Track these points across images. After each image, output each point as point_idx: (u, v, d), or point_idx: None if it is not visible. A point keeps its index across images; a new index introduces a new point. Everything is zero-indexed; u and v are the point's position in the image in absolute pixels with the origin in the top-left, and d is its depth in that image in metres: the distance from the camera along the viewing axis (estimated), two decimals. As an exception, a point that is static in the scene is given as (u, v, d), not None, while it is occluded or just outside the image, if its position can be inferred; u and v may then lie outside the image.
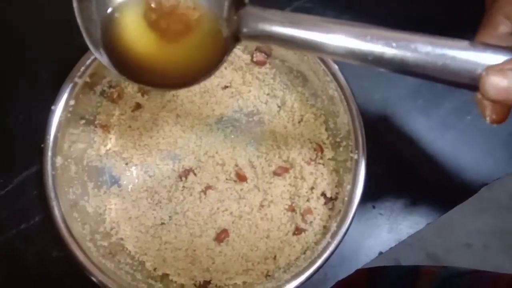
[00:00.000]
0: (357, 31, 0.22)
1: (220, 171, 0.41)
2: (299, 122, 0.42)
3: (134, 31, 0.28)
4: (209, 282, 0.37)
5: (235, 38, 0.26)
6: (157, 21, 0.28)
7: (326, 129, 0.41)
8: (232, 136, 0.43)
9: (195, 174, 0.40)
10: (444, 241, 1.10)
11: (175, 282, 0.37)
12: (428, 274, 0.46)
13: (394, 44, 0.21)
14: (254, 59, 0.41)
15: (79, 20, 0.26)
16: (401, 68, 0.22)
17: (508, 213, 1.10)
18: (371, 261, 0.42)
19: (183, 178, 0.40)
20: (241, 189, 0.40)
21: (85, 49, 0.36)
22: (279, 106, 0.43)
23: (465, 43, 0.21)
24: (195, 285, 0.37)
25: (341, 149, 0.39)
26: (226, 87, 0.43)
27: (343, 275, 0.41)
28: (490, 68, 0.20)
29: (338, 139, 0.39)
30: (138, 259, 0.38)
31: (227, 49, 0.27)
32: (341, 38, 0.22)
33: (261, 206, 0.39)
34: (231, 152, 0.42)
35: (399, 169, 0.43)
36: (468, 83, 0.21)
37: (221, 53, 0.27)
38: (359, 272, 0.55)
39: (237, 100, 0.43)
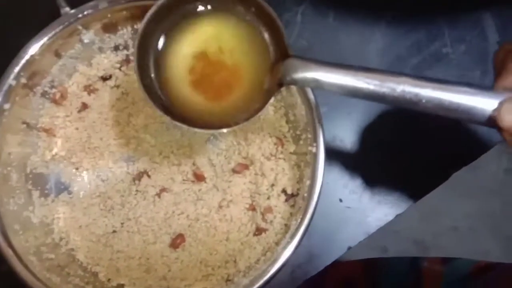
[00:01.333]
0: (380, 78, 0.26)
1: (176, 171, 0.38)
2: (259, 115, 0.40)
3: (180, 89, 0.30)
4: (166, 291, 0.35)
5: (279, 85, 0.28)
6: (199, 84, 0.30)
7: (287, 122, 0.39)
8: (190, 134, 0.40)
9: (149, 176, 0.38)
10: (430, 227, 1.10)
11: (131, 292, 0.35)
12: (432, 274, 0.45)
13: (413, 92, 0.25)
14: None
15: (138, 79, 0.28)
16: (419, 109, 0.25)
17: (492, 196, 1.10)
18: (345, 253, 0.40)
19: (136, 181, 0.38)
20: (199, 190, 0.38)
21: (19, 49, 0.34)
22: (238, 100, 0.41)
23: (473, 89, 0.24)
24: (152, 294, 0.35)
25: (301, 142, 0.36)
26: (180, 82, 0.40)
27: (312, 272, 0.39)
28: (502, 103, 0.23)
29: (298, 132, 0.37)
30: (90, 270, 0.35)
31: (270, 95, 0.29)
32: (368, 84, 0.26)
33: (220, 206, 0.37)
34: (188, 151, 0.39)
35: (364, 160, 0.42)
36: (482, 121, 0.24)
37: (264, 99, 0.29)
38: (354, 263, 0.54)
39: (194, 95, 0.41)
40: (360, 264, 0.54)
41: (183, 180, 0.38)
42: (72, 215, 0.37)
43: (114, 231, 0.36)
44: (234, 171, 0.38)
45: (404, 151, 0.42)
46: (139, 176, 0.38)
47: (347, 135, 0.42)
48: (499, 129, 0.23)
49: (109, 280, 0.35)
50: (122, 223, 0.36)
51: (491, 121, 0.23)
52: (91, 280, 0.34)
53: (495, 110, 0.23)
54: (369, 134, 0.42)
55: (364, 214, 0.41)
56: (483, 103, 0.23)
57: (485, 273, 0.42)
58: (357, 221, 0.40)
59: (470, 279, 0.42)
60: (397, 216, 0.41)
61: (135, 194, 0.37)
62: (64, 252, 0.35)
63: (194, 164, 0.39)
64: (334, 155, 0.42)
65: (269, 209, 0.36)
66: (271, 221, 0.35)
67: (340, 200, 0.41)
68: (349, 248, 0.40)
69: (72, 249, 0.36)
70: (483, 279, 0.41)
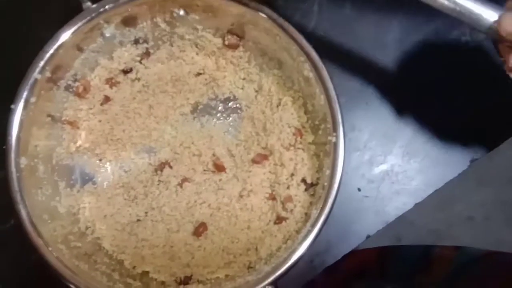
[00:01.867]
0: None
1: (197, 162, 0.39)
2: (277, 106, 0.40)
3: None
4: (190, 278, 0.35)
5: None
6: None
7: (305, 112, 0.39)
8: (209, 125, 0.41)
9: (170, 167, 0.39)
10: (445, 216, 1.09)
11: (156, 279, 0.36)
12: (442, 258, 0.45)
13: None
14: (226, 43, 0.39)
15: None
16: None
17: (509, 184, 1.09)
18: (363, 242, 0.41)
19: (159, 172, 0.39)
20: (220, 180, 0.39)
21: (43, 43, 0.35)
22: (256, 91, 0.41)
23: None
24: (176, 281, 0.36)
25: (320, 132, 0.37)
26: (199, 74, 0.41)
27: (330, 261, 0.40)
28: (503, 13, 0.27)
29: (317, 122, 0.37)
30: (116, 258, 0.36)
31: None
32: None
33: (240, 196, 0.37)
34: (208, 142, 0.40)
35: (383, 148, 0.42)
36: (485, 29, 0.28)
37: None
38: (369, 251, 0.54)
39: (212, 87, 0.41)
40: (374, 251, 0.54)
41: (204, 170, 0.39)
42: (97, 204, 0.38)
43: (138, 220, 0.37)
44: (254, 161, 0.38)
45: (422, 140, 0.42)
46: (161, 167, 0.39)
47: (365, 125, 0.42)
48: (499, 40, 0.28)
49: (134, 267, 0.36)
50: (146, 212, 0.37)
51: (492, 30, 0.27)
52: (117, 267, 0.36)
53: (495, 21, 0.27)
54: (387, 125, 0.42)
55: (382, 203, 0.41)
56: (488, 13, 0.27)
57: (493, 256, 0.42)
58: (375, 210, 0.41)
59: (477, 262, 0.42)
60: (415, 205, 0.41)
61: (158, 184, 0.38)
62: (90, 240, 0.37)
63: (214, 154, 0.39)
64: (352, 144, 0.42)
65: (289, 198, 0.36)
66: (291, 210, 0.36)
67: (359, 190, 0.41)
68: (368, 236, 0.41)
69: (98, 238, 0.37)
70: (490, 261, 0.42)
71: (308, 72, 0.35)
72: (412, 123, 0.42)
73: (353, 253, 0.56)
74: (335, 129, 0.34)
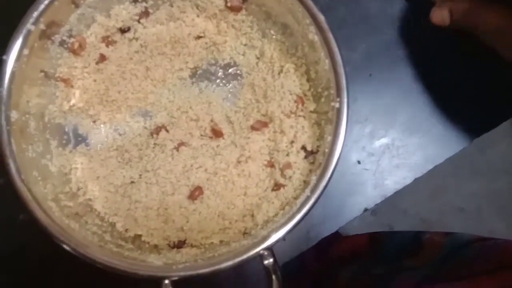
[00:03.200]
0: None
1: (194, 127, 0.38)
2: (279, 73, 0.39)
3: None
4: (184, 242, 0.35)
5: None
6: None
7: (308, 80, 0.38)
8: (208, 91, 0.40)
9: (167, 131, 0.37)
10: (437, 206, 1.10)
11: (148, 243, 0.35)
12: (433, 243, 0.45)
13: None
14: (229, 4, 0.38)
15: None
16: None
17: (501, 175, 1.10)
18: (360, 215, 0.40)
19: (154, 135, 0.37)
20: (217, 146, 0.38)
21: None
22: (257, 57, 0.40)
23: None
24: (169, 245, 0.35)
25: (322, 100, 0.36)
26: (199, 37, 0.40)
27: (326, 233, 0.39)
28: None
29: (319, 89, 0.36)
30: (108, 220, 0.35)
31: None
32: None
33: (238, 162, 0.37)
34: (206, 108, 0.39)
35: (385, 122, 0.41)
36: None
37: None
38: (360, 237, 0.54)
39: (212, 52, 0.40)
40: (365, 237, 0.54)
41: (201, 135, 0.38)
42: (89, 166, 0.36)
43: (132, 182, 0.36)
44: (253, 128, 0.37)
45: (424, 115, 0.41)
46: (157, 130, 0.38)
47: (367, 97, 0.41)
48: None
49: (126, 230, 0.35)
50: (140, 175, 0.36)
51: None
52: (108, 229, 0.35)
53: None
54: (389, 97, 0.41)
55: (382, 176, 0.40)
56: None
57: (483, 242, 0.42)
58: (374, 183, 0.40)
59: (467, 246, 0.42)
60: (415, 180, 0.41)
61: (153, 148, 0.37)
62: (82, 202, 0.35)
63: (212, 120, 0.38)
64: (353, 117, 0.41)
65: (288, 165, 0.35)
66: (290, 177, 0.35)
67: (358, 162, 0.40)
68: (366, 210, 0.40)
69: (90, 199, 0.36)
70: (480, 246, 0.41)
71: (313, 35, 0.34)
72: (415, 98, 0.41)
73: (345, 238, 0.56)
74: (339, 94, 0.33)
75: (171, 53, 0.39)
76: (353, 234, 0.56)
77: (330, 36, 0.33)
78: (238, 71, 0.40)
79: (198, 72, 0.40)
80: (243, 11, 0.38)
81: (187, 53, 0.39)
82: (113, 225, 0.35)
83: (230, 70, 0.40)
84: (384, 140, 0.41)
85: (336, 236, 0.63)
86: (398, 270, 0.45)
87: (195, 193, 0.35)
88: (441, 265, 0.42)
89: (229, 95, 0.40)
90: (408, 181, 0.40)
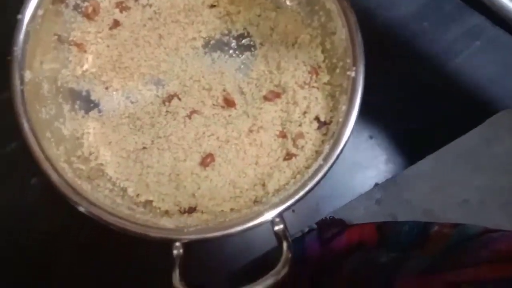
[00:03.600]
0: None
1: (207, 96, 0.38)
2: (293, 44, 0.39)
3: None
4: (194, 209, 0.35)
5: None
6: None
7: (322, 51, 0.37)
8: (220, 61, 0.39)
9: (179, 99, 0.37)
10: (441, 198, 1.09)
11: (159, 208, 0.35)
12: (440, 235, 0.45)
13: None
14: (244, -27, 0.38)
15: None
16: None
17: (505, 170, 1.09)
18: (371, 189, 0.40)
19: (167, 103, 0.37)
20: (229, 115, 0.37)
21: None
22: (271, 29, 0.39)
23: None
24: (180, 211, 0.35)
25: (337, 71, 0.35)
26: (213, 6, 0.39)
27: (335, 206, 0.39)
28: None
29: (334, 60, 0.36)
30: (119, 185, 0.35)
31: None
32: None
33: (250, 131, 0.36)
34: (219, 78, 0.39)
35: (399, 98, 0.41)
36: None
37: None
38: (368, 226, 0.54)
39: (226, 22, 0.40)
40: (373, 226, 0.54)
41: (213, 104, 0.38)
42: (101, 131, 0.36)
43: (144, 148, 0.36)
44: (266, 98, 0.37)
45: (439, 92, 0.41)
46: (169, 98, 0.37)
47: (381, 70, 0.41)
48: None
49: (137, 195, 0.35)
50: (152, 141, 0.36)
51: None
52: (120, 194, 0.35)
53: None
54: (405, 73, 0.41)
55: (395, 152, 0.40)
56: None
57: (490, 233, 0.42)
58: (386, 158, 0.40)
59: (474, 238, 0.42)
60: (422, 161, 0.40)
61: (165, 115, 0.37)
62: (94, 166, 0.35)
63: (224, 90, 0.38)
64: (366, 92, 0.41)
65: (300, 135, 0.35)
66: (302, 147, 0.35)
67: (370, 137, 0.40)
68: (376, 184, 0.40)
69: (102, 164, 0.36)
70: (486, 237, 0.41)
71: (331, 4, 0.33)
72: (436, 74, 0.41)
73: (352, 226, 0.56)
74: (355, 63, 0.32)
75: (184, 21, 0.39)
76: (357, 223, 0.56)
77: (347, 4, 0.33)
78: (251, 42, 0.40)
79: (211, 42, 0.40)
80: (258, -20, 0.38)
81: (200, 22, 0.39)
82: (124, 190, 0.35)
83: (243, 41, 0.40)
84: (398, 116, 0.40)
85: (341, 224, 0.63)
86: (402, 260, 0.45)
87: (207, 160, 0.35)
88: (447, 256, 0.42)
89: (242, 66, 0.39)
90: (420, 158, 0.40)
